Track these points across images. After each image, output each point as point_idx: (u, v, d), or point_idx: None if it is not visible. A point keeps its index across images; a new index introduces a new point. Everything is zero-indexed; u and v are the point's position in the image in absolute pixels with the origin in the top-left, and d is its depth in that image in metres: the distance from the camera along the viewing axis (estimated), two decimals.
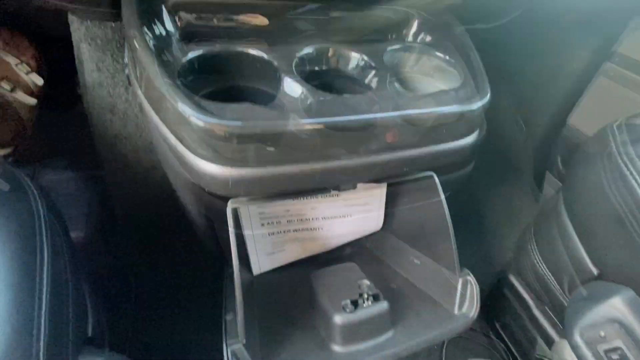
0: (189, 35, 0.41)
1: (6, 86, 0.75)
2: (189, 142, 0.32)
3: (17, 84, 0.77)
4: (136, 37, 0.33)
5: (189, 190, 0.40)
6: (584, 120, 0.88)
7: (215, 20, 0.42)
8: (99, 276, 0.65)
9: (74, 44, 0.53)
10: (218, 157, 0.31)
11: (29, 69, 0.80)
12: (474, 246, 0.96)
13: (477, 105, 0.39)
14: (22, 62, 0.79)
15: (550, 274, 0.60)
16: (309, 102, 0.35)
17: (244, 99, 0.44)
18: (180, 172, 0.36)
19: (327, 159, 0.35)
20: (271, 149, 0.32)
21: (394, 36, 0.53)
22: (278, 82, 0.38)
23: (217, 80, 0.41)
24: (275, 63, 0.38)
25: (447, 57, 0.47)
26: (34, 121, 0.79)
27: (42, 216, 0.34)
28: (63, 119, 0.79)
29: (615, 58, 0.79)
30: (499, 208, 1.07)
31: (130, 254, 0.74)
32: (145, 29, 0.35)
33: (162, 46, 0.36)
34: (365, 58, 0.42)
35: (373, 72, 0.42)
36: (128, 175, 0.64)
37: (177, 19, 0.41)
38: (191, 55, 0.36)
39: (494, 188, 1.10)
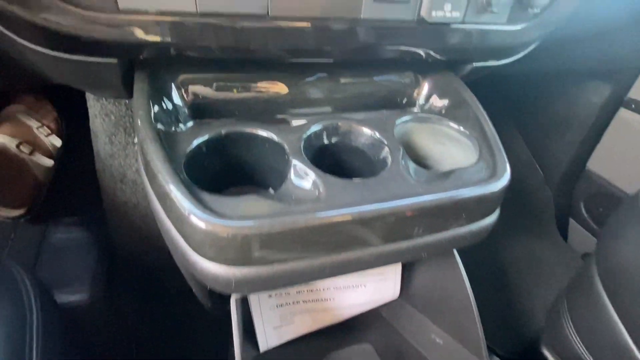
0: (199, 111, 0.40)
1: (25, 149, 0.76)
2: (190, 239, 0.30)
3: (36, 146, 0.79)
4: (144, 128, 0.33)
5: (192, 279, 0.38)
6: (604, 165, 0.85)
7: (227, 94, 0.42)
8: (98, 345, 0.62)
9: (90, 117, 0.54)
10: (220, 257, 0.30)
11: (49, 132, 0.82)
12: (497, 306, 0.88)
13: (498, 186, 0.37)
14: (43, 125, 0.82)
15: (589, 356, 0.54)
16: (318, 192, 0.33)
17: (252, 178, 0.43)
18: (182, 264, 0.34)
19: (338, 251, 0.33)
20: (278, 246, 0.30)
21: (405, 100, 0.52)
22: (287, 162, 0.37)
23: (225, 159, 0.40)
24: (285, 146, 0.37)
25: (461, 128, 0.46)
26: (50, 181, 0.80)
27: (34, 313, 0.32)
28: (77, 179, 0.80)
29: (631, 105, 0.78)
30: (521, 261, 1.00)
31: (133, 319, 0.71)
32: (154, 114, 0.35)
33: (169, 130, 0.36)
34: (377, 135, 0.41)
35: (385, 148, 0.41)
36: (135, 241, 0.64)
37: (186, 95, 0.41)
38: (196, 142, 0.35)
39: (515, 239, 1.04)
